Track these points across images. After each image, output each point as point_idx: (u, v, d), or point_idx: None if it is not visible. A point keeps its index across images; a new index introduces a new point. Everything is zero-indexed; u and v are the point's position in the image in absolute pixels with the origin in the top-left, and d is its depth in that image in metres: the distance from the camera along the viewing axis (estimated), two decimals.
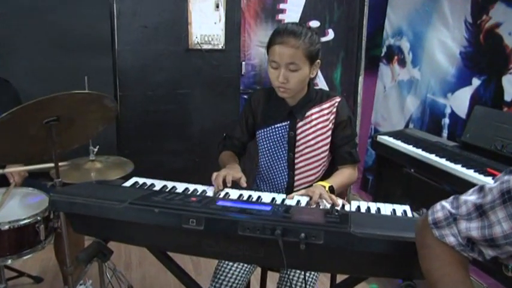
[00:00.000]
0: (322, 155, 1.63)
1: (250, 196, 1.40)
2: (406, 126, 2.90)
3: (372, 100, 3.29)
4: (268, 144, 1.66)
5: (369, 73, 3.35)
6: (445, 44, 2.56)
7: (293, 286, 1.49)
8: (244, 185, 1.47)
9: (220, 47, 3.02)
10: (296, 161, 1.63)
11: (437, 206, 0.92)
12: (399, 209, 1.33)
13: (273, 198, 1.40)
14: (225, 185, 1.44)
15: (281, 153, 1.65)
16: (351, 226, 1.09)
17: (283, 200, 1.39)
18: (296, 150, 1.63)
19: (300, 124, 1.61)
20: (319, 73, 3.29)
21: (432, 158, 2.15)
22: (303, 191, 1.44)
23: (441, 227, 0.89)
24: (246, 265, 1.56)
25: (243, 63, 3.14)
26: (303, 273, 1.50)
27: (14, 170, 1.92)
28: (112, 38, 2.77)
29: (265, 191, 1.68)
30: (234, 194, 1.42)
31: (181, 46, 2.93)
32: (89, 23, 2.66)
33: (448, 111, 2.56)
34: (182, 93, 3.03)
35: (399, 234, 1.06)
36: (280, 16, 3.15)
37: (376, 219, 1.24)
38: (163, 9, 2.85)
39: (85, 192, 1.28)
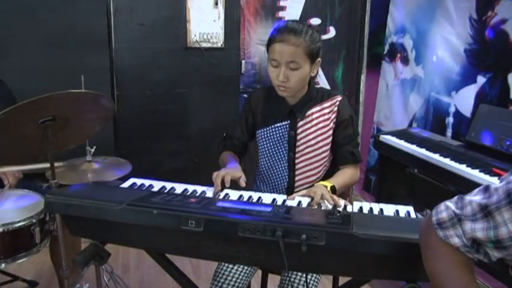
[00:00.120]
0: (323, 155, 1.63)
1: (250, 197, 1.40)
2: (410, 125, 2.90)
3: (374, 99, 3.29)
4: (268, 144, 1.66)
5: (371, 71, 3.35)
6: (449, 41, 2.56)
7: None
8: (243, 184, 1.47)
9: (219, 45, 3.02)
10: (297, 161, 1.63)
11: (442, 206, 0.92)
12: (402, 209, 1.33)
13: (274, 199, 1.40)
14: (223, 186, 1.44)
15: (281, 153, 1.65)
16: (353, 227, 1.09)
17: (284, 200, 1.39)
18: (296, 150, 1.63)
19: (300, 123, 1.62)
20: (321, 71, 3.29)
21: (436, 157, 2.15)
22: (304, 192, 1.45)
23: (445, 227, 0.89)
24: (246, 267, 1.56)
25: (243, 61, 3.14)
26: (304, 275, 1.50)
27: (8, 170, 1.91)
28: (109, 35, 2.77)
29: (265, 191, 1.69)
30: (234, 194, 1.42)
31: (179, 44, 2.94)
32: (85, 20, 2.66)
33: (452, 109, 2.56)
34: (181, 93, 3.03)
35: (402, 235, 1.06)
36: (281, 13, 3.16)
37: (379, 220, 1.24)
38: (161, 6, 2.85)
39: (82, 193, 1.28)
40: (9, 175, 1.94)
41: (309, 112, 1.61)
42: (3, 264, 1.68)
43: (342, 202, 1.36)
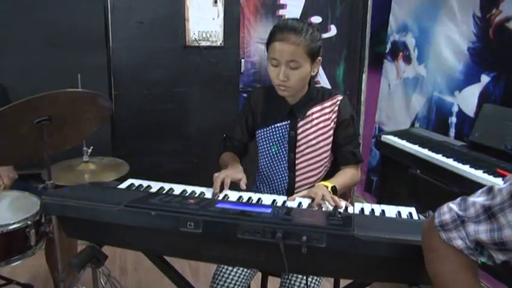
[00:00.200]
0: (324, 155, 1.63)
1: (250, 198, 1.40)
2: (412, 125, 2.90)
3: (376, 98, 3.29)
4: (268, 145, 1.66)
5: (372, 70, 3.35)
6: (452, 39, 2.56)
7: None
8: (244, 187, 1.48)
9: (218, 43, 3.02)
10: (297, 161, 1.63)
11: (444, 207, 0.92)
12: (404, 211, 1.33)
13: (274, 200, 1.40)
14: (222, 188, 1.44)
15: (281, 153, 1.65)
16: (355, 229, 1.09)
17: (284, 202, 1.39)
18: (297, 150, 1.63)
19: (300, 123, 1.62)
20: (322, 71, 3.30)
21: (439, 158, 2.15)
22: (304, 192, 1.45)
23: (448, 229, 0.89)
24: (245, 270, 1.56)
25: (243, 60, 3.14)
26: (304, 277, 1.50)
27: (2, 171, 1.91)
28: (106, 34, 2.77)
29: (265, 192, 1.68)
30: (233, 196, 1.42)
31: (178, 43, 2.94)
32: (82, 18, 2.66)
33: (455, 109, 2.56)
34: (179, 92, 3.03)
35: (405, 237, 1.06)
36: (281, 11, 3.16)
37: (380, 222, 1.24)
38: (160, 4, 2.85)
39: (78, 194, 1.28)
40: (4, 176, 1.94)
41: (310, 112, 1.61)
42: None
43: (343, 203, 1.36)
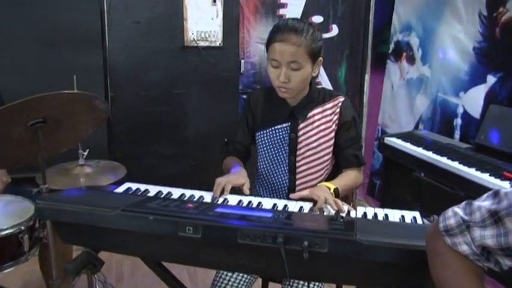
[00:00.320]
0: (325, 158, 1.63)
1: (250, 202, 1.40)
2: (416, 127, 2.90)
3: (379, 100, 3.30)
4: (268, 147, 1.66)
5: (375, 71, 3.35)
6: (457, 39, 2.56)
7: None
8: (247, 192, 1.47)
9: (217, 44, 3.02)
10: (297, 164, 1.63)
11: (449, 212, 0.92)
12: (408, 215, 1.33)
13: (274, 204, 1.40)
14: (222, 194, 1.44)
15: (281, 156, 1.65)
16: (357, 233, 1.09)
17: (285, 206, 1.40)
18: (297, 153, 1.63)
19: (301, 125, 1.62)
20: (323, 72, 3.30)
21: (444, 161, 2.15)
22: (306, 191, 1.45)
23: (453, 234, 0.89)
24: (246, 275, 1.56)
25: (242, 61, 3.14)
26: (306, 283, 1.50)
27: None
28: (102, 34, 2.77)
29: (265, 196, 1.69)
30: (233, 199, 1.42)
31: (176, 43, 2.94)
32: (78, 18, 2.66)
33: (460, 111, 2.56)
34: (178, 93, 3.04)
35: (408, 242, 1.07)
36: (281, 11, 3.16)
37: (383, 227, 1.24)
38: (157, 3, 2.86)
39: (74, 199, 1.29)
40: None
41: (311, 114, 1.61)
42: None
43: (345, 207, 1.36)
